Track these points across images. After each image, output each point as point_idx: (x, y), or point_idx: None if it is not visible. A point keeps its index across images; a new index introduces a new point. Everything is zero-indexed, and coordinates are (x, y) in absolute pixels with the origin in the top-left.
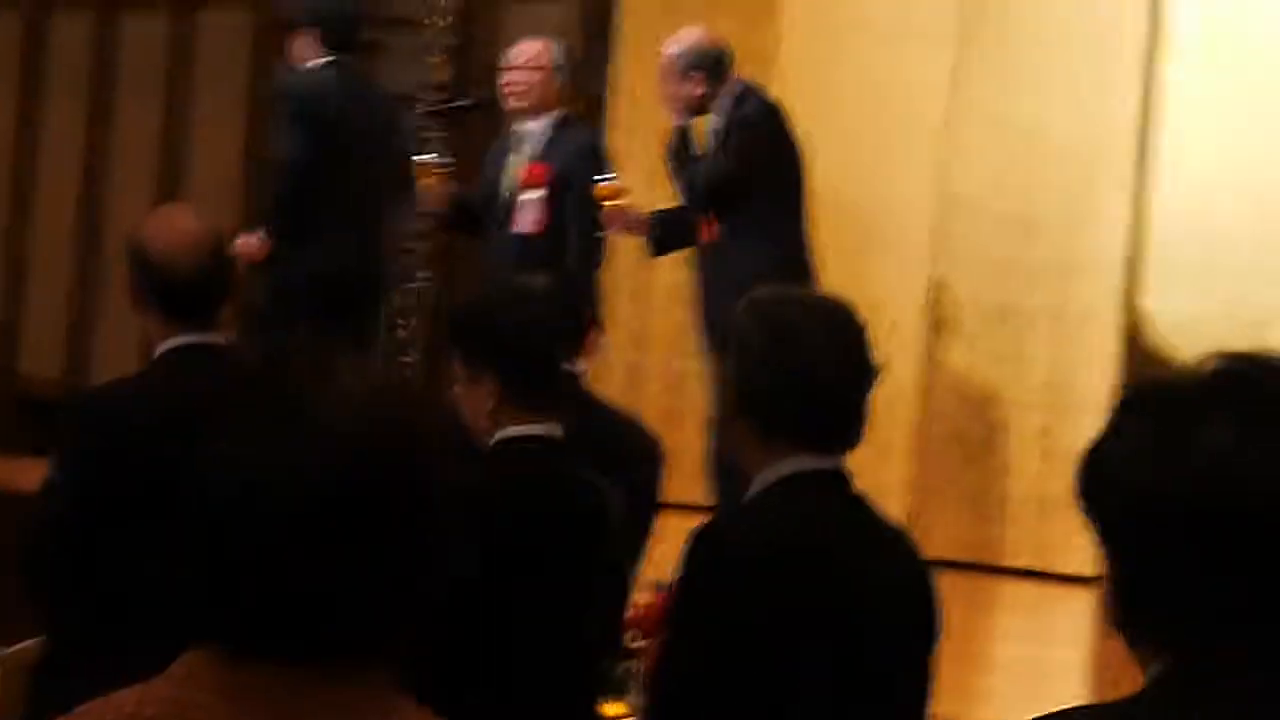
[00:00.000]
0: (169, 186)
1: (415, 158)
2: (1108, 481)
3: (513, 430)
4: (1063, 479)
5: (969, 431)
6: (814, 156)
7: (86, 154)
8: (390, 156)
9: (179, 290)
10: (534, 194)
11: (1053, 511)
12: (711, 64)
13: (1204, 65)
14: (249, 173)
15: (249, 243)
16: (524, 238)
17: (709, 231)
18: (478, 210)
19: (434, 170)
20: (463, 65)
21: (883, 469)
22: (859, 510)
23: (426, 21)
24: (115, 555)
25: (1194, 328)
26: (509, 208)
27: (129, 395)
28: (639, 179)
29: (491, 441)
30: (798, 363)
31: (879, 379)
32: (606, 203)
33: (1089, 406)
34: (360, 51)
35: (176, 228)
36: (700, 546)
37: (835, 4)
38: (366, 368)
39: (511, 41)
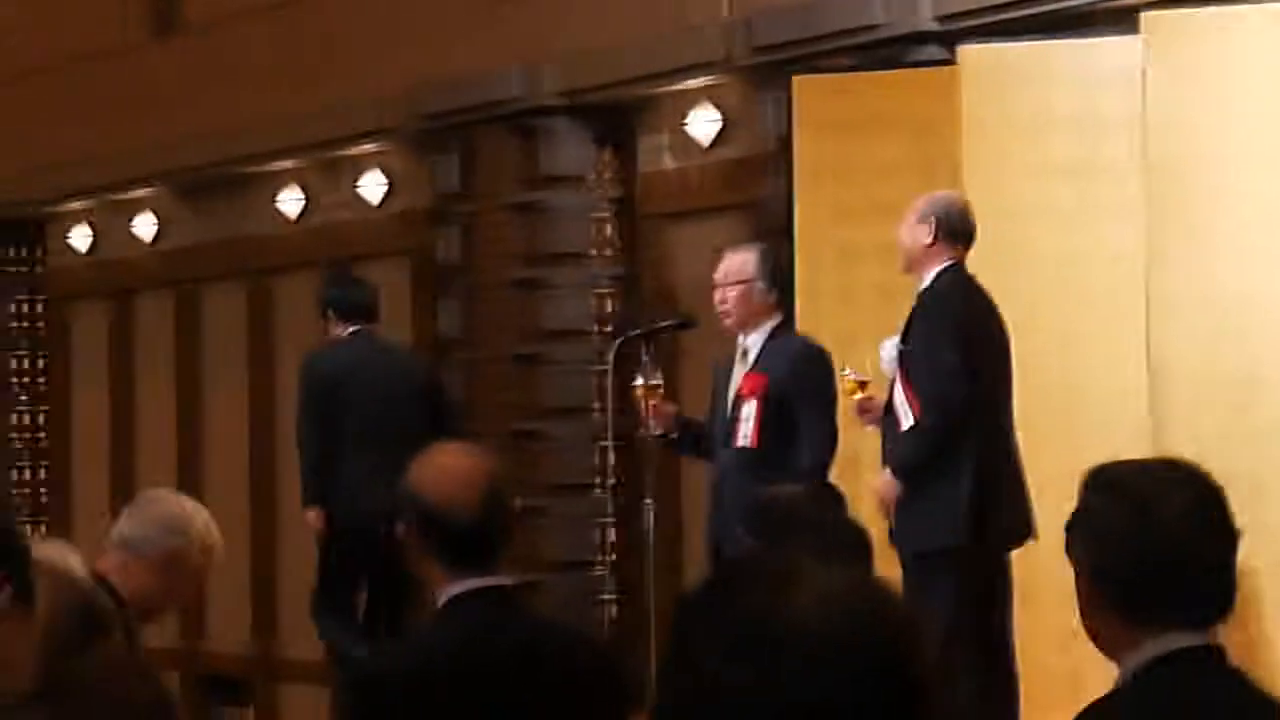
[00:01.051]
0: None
1: (634, 383)
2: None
3: None
4: None
5: None
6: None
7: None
8: (404, 408)
9: (462, 536)
10: (750, 406)
11: None
12: (949, 222)
13: None
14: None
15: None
16: (743, 451)
17: None
18: (701, 429)
19: (648, 392)
20: (634, 291)
21: None
22: (1242, 687)
23: (592, 254)
24: None
25: None
26: (731, 421)
27: (420, 652)
28: None
29: None
30: (1163, 535)
31: (1241, 543)
32: (853, 396)
33: None
34: (376, 319)
35: (450, 469)
36: None
37: (1013, 190)
38: (835, 571)
39: (683, 262)
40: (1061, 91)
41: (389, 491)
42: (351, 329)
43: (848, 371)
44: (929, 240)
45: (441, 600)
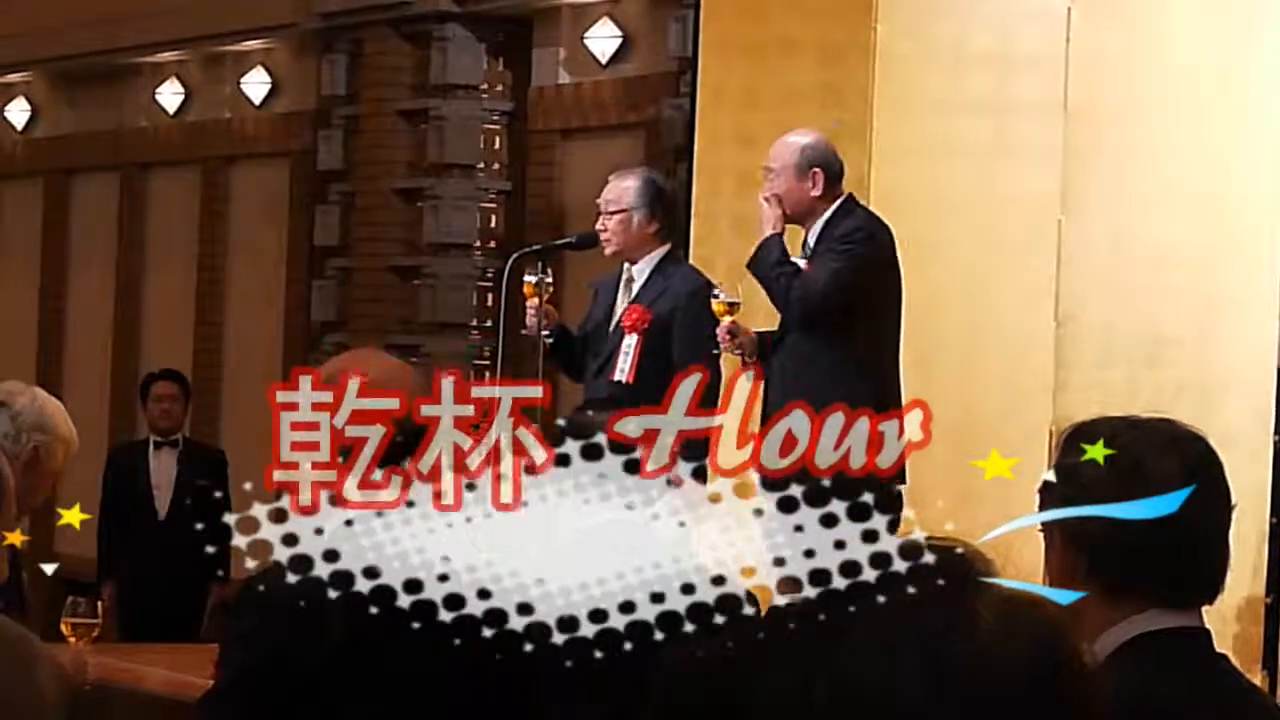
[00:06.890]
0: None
1: (525, 277)
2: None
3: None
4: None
5: None
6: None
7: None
8: None
9: None
10: (631, 340)
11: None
12: (832, 168)
13: None
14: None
15: None
16: (619, 385)
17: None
18: (574, 342)
19: (538, 290)
20: (520, 208)
21: None
22: (1227, 676)
23: (479, 167)
24: None
25: None
26: (611, 351)
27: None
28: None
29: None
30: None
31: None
32: (723, 318)
33: None
34: None
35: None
36: None
37: (924, 125)
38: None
39: (572, 180)
40: (981, 25)
41: None
42: None
43: (719, 293)
44: (818, 192)
45: None
